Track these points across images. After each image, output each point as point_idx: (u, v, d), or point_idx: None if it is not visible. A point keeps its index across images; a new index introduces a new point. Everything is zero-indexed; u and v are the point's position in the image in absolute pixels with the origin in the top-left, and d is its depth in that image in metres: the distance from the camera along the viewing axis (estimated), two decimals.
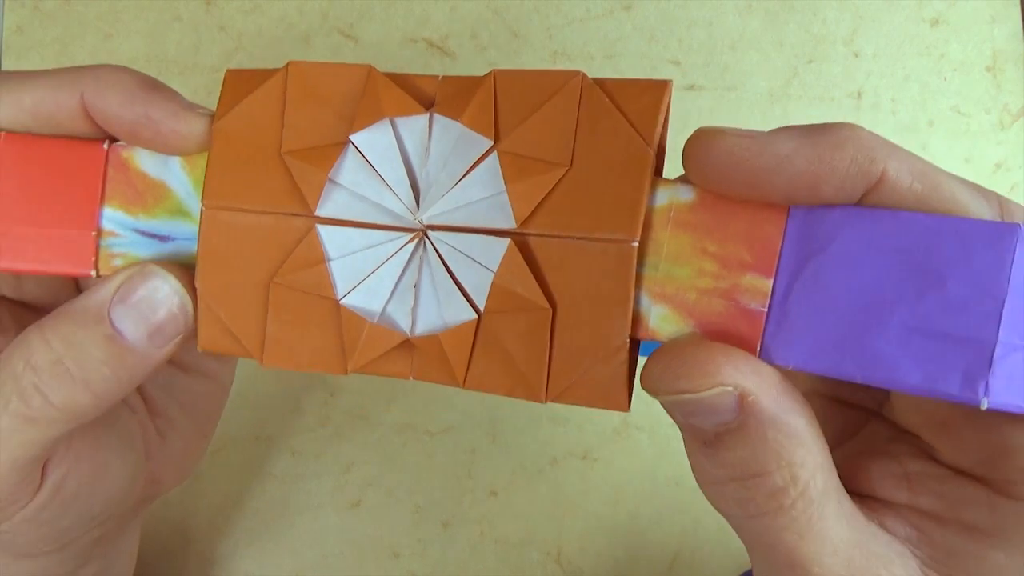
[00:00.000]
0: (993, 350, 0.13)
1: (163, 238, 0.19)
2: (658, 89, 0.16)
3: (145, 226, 0.19)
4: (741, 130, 0.15)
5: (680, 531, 0.36)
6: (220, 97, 0.18)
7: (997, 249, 0.13)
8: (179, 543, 0.35)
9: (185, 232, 0.19)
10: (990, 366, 0.13)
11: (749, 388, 0.15)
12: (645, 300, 0.16)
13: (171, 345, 0.19)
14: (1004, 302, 0.13)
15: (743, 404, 0.15)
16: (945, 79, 0.39)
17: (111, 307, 0.18)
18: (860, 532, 0.16)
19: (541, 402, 0.17)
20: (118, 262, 0.19)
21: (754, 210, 0.15)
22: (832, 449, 0.16)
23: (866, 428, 0.19)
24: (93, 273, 0.19)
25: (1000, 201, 0.15)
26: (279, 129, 0.18)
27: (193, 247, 0.19)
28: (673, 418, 0.16)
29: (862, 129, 0.15)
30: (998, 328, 0.13)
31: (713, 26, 0.39)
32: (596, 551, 0.36)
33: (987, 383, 0.13)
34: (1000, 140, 0.39)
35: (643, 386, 0.16)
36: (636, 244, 0.16)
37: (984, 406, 0.13)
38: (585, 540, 0.36)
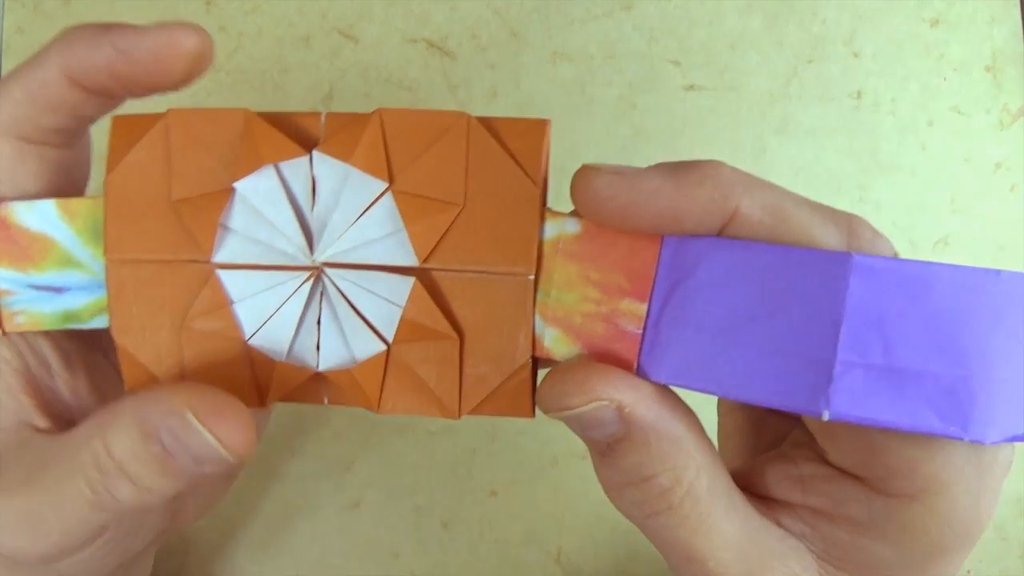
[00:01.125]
0: (833, 368, 0.15)
1: (58, 290, 0.19)
2: (539, 128, 0.18)
3: (38, 280, 0.19)
4: (615, 167, 0.17)
5: None
6: (109, 147, 0.18)
7: (832, 277, 0.15)
8: (179, 543, 0.35)
9: (78, 281, 0.19)
10: (831, 382, 0.15)
11: (625, 401, 0.16)
12: (539, 323, 0.18)
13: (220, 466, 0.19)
14: (841, 325, 0.15)
15: (623, 415, 0.16)
16: (945, 79, 0.39)
17: (162, 432, 0.18)
18: (754, 529, 0.17)
19: (456, 419, 0.18)
20: (21, 319, 0.19)
21: (632, 240, 0.17)
22: (760, 454, 0.18)
23: (790, 435, 0.20)
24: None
25: (851, 226, 0.16)
26: (168, 177, 0.18)
27: (89, 295, 0.19)
28: (576, 434, 0.18)
29: (724, 167, 0.17)
30: (836, 348, 0.15)
31: (713, 26, 0.39)
32: (596, 551, 0.36)
33: (828, 397, 0.15)
34: (1000, 140, 0.39)
35: (539, 407, 0.18)
36: (532, 277, 0.17)
37: (826, 418, 0.15)
38: (585, 540, 0.36)
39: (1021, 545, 0.37)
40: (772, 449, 0.20)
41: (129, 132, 0.18)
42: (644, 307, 0.17)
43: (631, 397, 0.16)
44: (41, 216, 0.19)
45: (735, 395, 0.16)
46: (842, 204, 0.38)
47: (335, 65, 0.38)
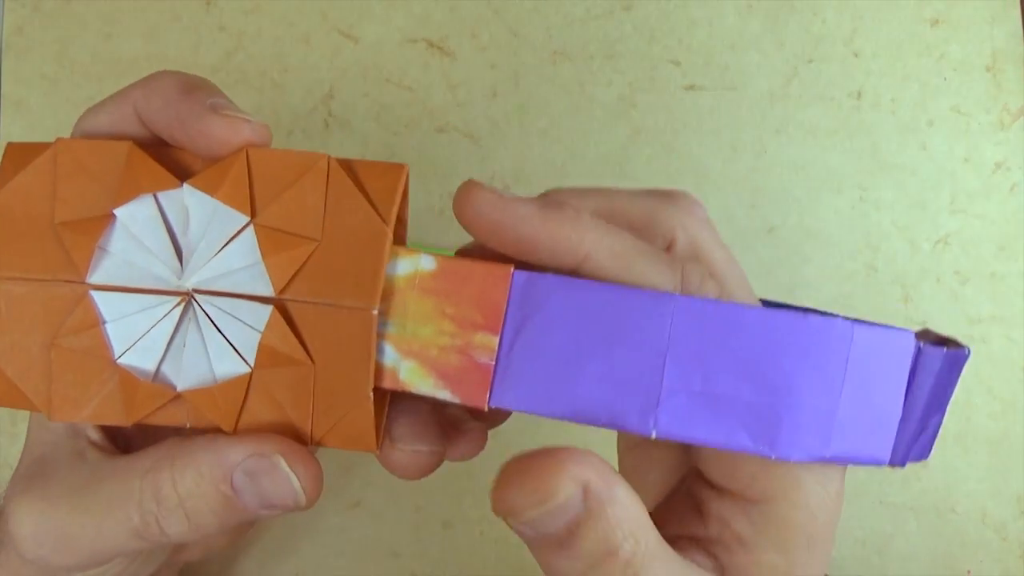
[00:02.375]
0: (659, 393, 0.17)
1: None
2: (395, 172, 0.19)
3: None
4: (494, 189, 0.18)
5: None
6: None
7: (660, 315, 0.17)
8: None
9: None
10: (657, 405, 0.17)
11: (588, 479, 0.17)
12: (395, 355, 0.18)
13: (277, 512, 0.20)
14: (666, 356, 0.17)
15: (587, 495, 0.17)
16: (945, 79, 0.39)
17: (235, 472, 0.19)
18: (685, 572, 0.18)
19: (307, 445, 0.19)
20: None
21: (484, 277, 0.18)
22: (654, 491, 0.20)
23: (685, 473, 0.21)
24: None
25: (684, 271, 0.18)
26: (52, 202, 0.19)
27: None
28: (523, 537, 0.18)
29: (584, 214, 0.18)
30: (662, 377, 0.17)
31: (713, 26, 0.39)
32: None
33: (655, 419, 0.17)
34: (1000, 140, 0.39)
35: (498, 513, 0.18)
36: (376, 312, 0.18)
37: (653, 436, 0.17)
38: None
39: (1021, 545, 0.37)
40: (662, 485, 0.21)
41: (20, 157, 0.19)
42: (496, 340, 0.18)
43: (591, 473, 0.17)
44: None
45: (578, 420, 0.18)
46: (842, 204, 0.38)
47: (335, 65, 0.38)
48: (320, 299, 0.18)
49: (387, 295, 0.18)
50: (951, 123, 0.39)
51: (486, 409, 0.19)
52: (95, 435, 0.22)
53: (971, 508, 0.37)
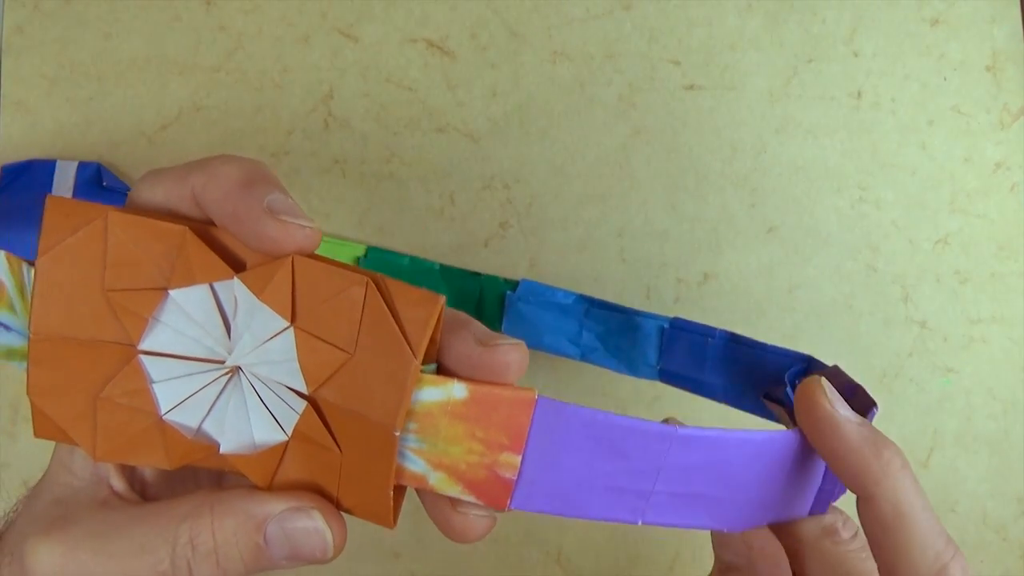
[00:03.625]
0: (650, 496, 0.21)
1: (6, 327, 0.22)
2: (431, 304, 0.19)
3: (2, 319, 0.21)
4: (836, 397, 0.21)
5: (680, 532, 0.36)
6: (42, 227, 0.20)
7: (659, 444, 0.21)
8: None
9: (16, 325, 0.21)
10: (647, 504, 0.22)
11: (753, 543, 0.23)
12: (425, 466, 0.20)
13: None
14: (661, 471, 0.21)
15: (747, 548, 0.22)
16: (945, 79, 0.39)
17: (270, 523, 0.20)
18: None
19: (335, 509, 0.21)
20: None
21: (512, 403, 0.20)
22: None
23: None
24: None
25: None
26: (102, 268, 0.20)
27: (23, 339, 0.21)
28: None
29: (901, 460, 0.20)
30: (654, 483, 0.21)
31: (713, 26, 0.39)
32: (596, 551, 0.36)
33: (644, 513, 0.22)
34: (1000, 140, 0.39)
35: None
36: (398, 434, 0.19)
37: (639, 523, 0.22)
38: (585, 540, 0.36)
39: (1021, 545, 0.37)
40: None
41: (65, 216, 0.20)
42: (519, 459, 0.20)
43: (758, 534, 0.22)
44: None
45: (582, 517, 0.21)
46: (842, 204, 0.38)
47: (335, 65, 0.38)
48: (349, 405, 0.20)
49: (419, 416, 0.20)
50: (951, 123, 0.39)
51: (505, 511, 0.21)
52: (119, 485, 0.22)
53: (971, 508, 0.37)
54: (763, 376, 0.29)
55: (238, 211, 0.20)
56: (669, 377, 0.33)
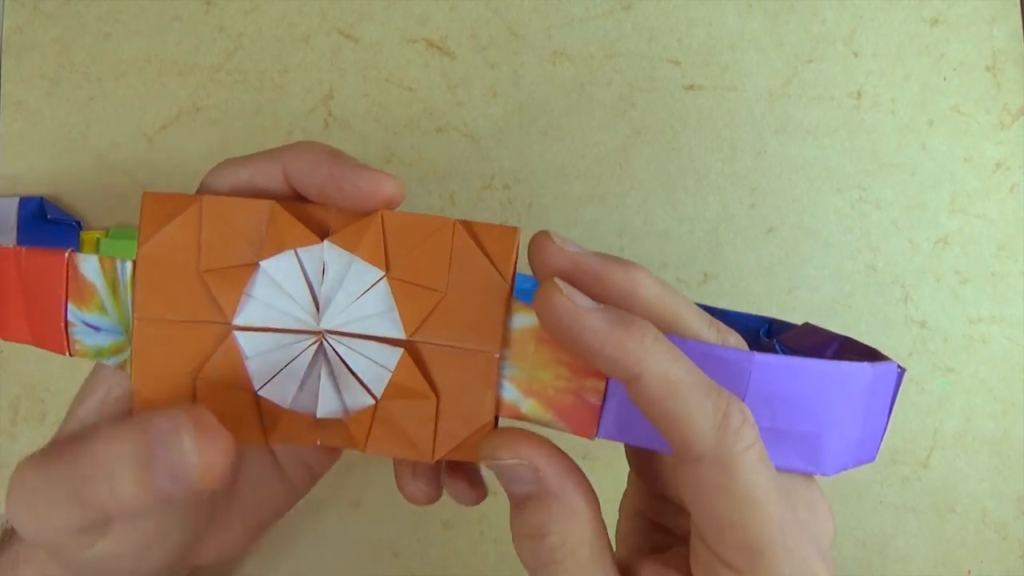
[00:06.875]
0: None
1: (96, 328, 0.23)
2: (511, 235, 0.21)
3: (87, 319, 0.22)
4: (571, 291, 0.20)
5: None
6: (140, 220, 0.22)
7: (740, 368, 0.20)
8: None
9: (107, 324, 0.22)
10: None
11: (539, 464, 0.21)
12: (517, 393, 0.22)
13: (186, 488, 0.21)
14: (744, 400, 0.20)
15: (537, 477, 0.21)
16: (945, 79, 0.39)
17: (156, 442, 0.20)
18: None
19: (430, 462, 0.22)
20: (76, 347, 0.23)
21: None
22: (644, 555, 0.22)
23: (671, 551, 0.23)
24: (68, 354, 0.23)
25: (727, 411, 0.19)
26: (197, 252, 0.21)
27: (111, 337, 0.22)
28: (503, 487, 0.21)
29: (648, 336, 0.19)
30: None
31: (713, 26, 0.39)
32: None
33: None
34: (1000, 140, 0.39)
35: (479, 455, 0.22)
36: (498, 356, 0.21)
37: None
38: None
39: (1021, 545, 0.37)
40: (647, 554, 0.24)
41: (161, 208, 0.21)
42: (603, 384, 0.21)
43: (545, 464, 0.21)
44: (90, 268, 0.22)
45: (663, 450, 0.21)
46: (842, 204, 0.38)
47: (335, 65, 0.38)
48: (446, 342, 0.21)
49: (509, 343, 0.21)
50: (951, 123, 0.39)
51: (593, 439, 0.22)
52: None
53: (971, 508, 0.37)
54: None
55: (333, 171, 0.22)
56: None
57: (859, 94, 0.39)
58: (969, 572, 0.37)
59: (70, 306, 0.22)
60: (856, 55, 0.39)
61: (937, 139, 0.38)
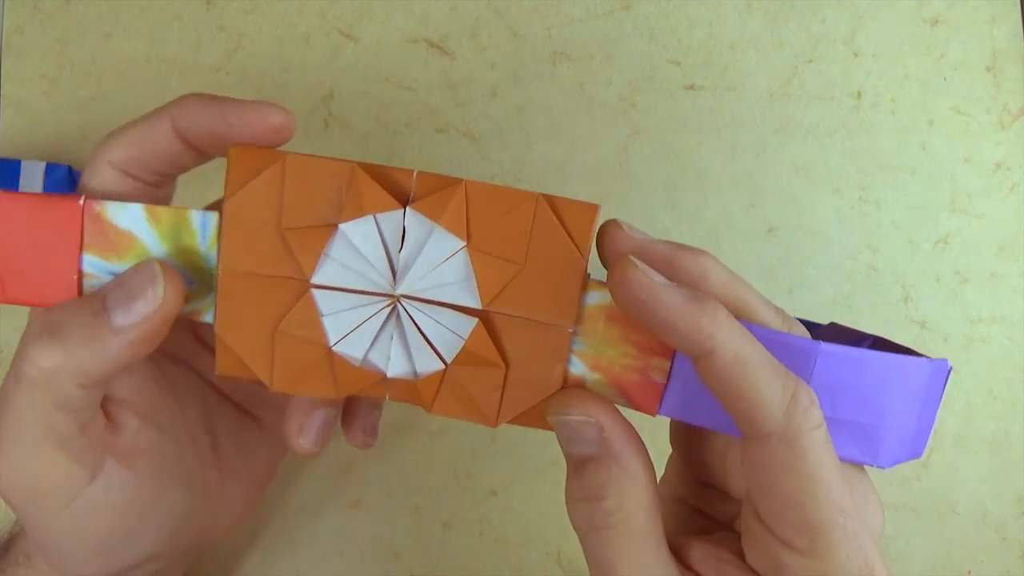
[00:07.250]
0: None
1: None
2: (591, 211, 0.22)
3: (119, 270, 0.22)
4: (647, 270, 0.20)
5: None
6: (227, 173, 0.22)
7: (805, 356, 0.21)
8: None
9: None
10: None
11: (605, 424, 0.21)
12: (583, 367, 0.22)
13: (141, 325, 0.21)
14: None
15: (601, 438, 0.21)
16: (945, 79, 0.39)
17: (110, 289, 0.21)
18: (655, 562, 0.20)
19: (493, 426, 0.23)
20: None
21: None
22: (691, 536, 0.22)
23: (717, 533, 0.24)
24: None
25: (795, 392, 0.20)
26: (279, 209, 0.22)
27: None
28: (561, 447, 0.22)
29: (720, 314, 0.20)
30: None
31: (713, 26, 0.39)
32: None
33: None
34: (1000, 140, 0.39)
35: (547, 410, 0.22)
36: (571, 331, 0.22)
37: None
38: None
39: (1021, 545, 0.37)
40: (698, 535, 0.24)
41: (247, 162, 0.22)
42: (669, 364, 0.22)
43: (609, 424, 0.21)
44: (131, 217, 0.22)
45: (721, 430, 0.22)
46: (842, 204, 0.38)
47: (335, 65, 0.38)
48: (521, 314, 0.22)
49: (580, 318, 0.22)
50: (951, 123, 0.39)
51: (655, 416, 0.22)
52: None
53: (971, 508, 0.37)
54: None
55: (221, 110, 0.22)
56: None
57: (859, 94, 0.39)
58: (969, 572, 0.37)
59: (88, 257, 0.22)
60: (856, 55, 0.39)
61: (937, 139, 0.38)
